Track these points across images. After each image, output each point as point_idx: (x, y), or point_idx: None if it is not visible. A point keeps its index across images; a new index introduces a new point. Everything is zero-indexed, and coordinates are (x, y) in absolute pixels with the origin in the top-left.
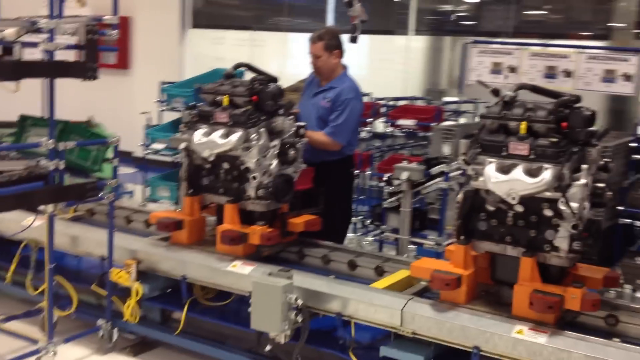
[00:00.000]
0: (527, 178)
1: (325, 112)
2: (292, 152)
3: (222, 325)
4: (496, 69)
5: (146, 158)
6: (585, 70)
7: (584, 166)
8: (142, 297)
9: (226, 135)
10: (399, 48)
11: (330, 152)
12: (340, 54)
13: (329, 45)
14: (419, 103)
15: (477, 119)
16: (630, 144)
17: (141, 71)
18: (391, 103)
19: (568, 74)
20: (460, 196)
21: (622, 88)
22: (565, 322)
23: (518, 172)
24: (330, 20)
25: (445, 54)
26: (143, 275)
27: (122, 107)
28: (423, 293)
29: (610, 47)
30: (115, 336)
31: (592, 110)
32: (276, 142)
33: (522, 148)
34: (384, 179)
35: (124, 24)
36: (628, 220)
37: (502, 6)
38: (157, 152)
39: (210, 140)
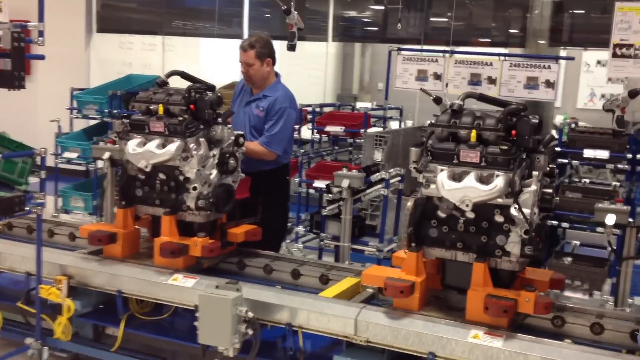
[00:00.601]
0: (480, 185)
1: (259, 122)
2: (232, 162)
3: (161, 340)
4: (421, 76)
5: (56, 167)
6: (508, 77)
7: (535, 173)
8: (73, 314)
9: (163, 145)
10: (311, 54)
11: (266, 161)
12: (273, 62)
13: (260, 53)
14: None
15: (403, 125)
16: (555, 149)
17: (44, 77)
18: (317, 110)
19: (492, 80)
20: (410, 204)
21: (544, 94)
22: (516, 325)
23: (471, 180)
24: (245, 25)
25: (356, 60)
26: (73, 290)
27: (25, 114)
28: (370, 300)
29: (532, 55)
30: (45, 355)
31: (538, 119)
32: (215, 152)
33: (473, 156)
34: (314, 185)
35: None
36: (555, 222)
37: (413, 13)
38: (69, 161)
39: (146, 151)
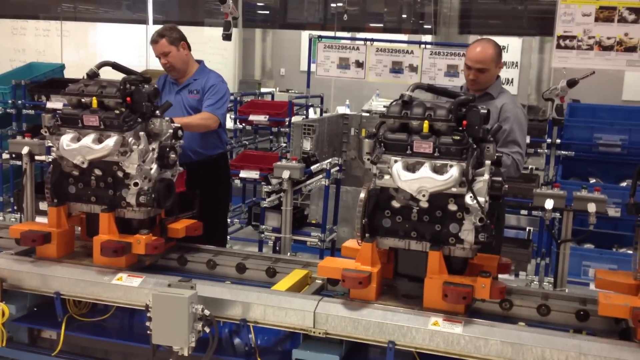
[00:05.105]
0: (436, 175)
1: (197, 103)
2: (172, 155)
3: (104, 342)
4: (343, 64)
5: None
6: (429, 65)
7: (487, 162)
8: (8, 318)
9: (99, 140)
10: (211, 40)
11: (211, 146)
12: (188, 46)
13: (172, 39)
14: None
15: (325, 114)
16: None
17: None
18: (238, 98)
19: (414, 68)
20: (363, 195)
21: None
22: (470, 310)
23: (426, 170)
24: (149, 10)
25: (257, 46)
26: (5, 293)
27: None
28: (320, 291)
29: (452, 43)
30: None
31: (487, 109)
32: (154, 145)
33: (426, 146)
34: (241, 175)
35: None
36: None
37: None
38: None
39: (82, 146)
